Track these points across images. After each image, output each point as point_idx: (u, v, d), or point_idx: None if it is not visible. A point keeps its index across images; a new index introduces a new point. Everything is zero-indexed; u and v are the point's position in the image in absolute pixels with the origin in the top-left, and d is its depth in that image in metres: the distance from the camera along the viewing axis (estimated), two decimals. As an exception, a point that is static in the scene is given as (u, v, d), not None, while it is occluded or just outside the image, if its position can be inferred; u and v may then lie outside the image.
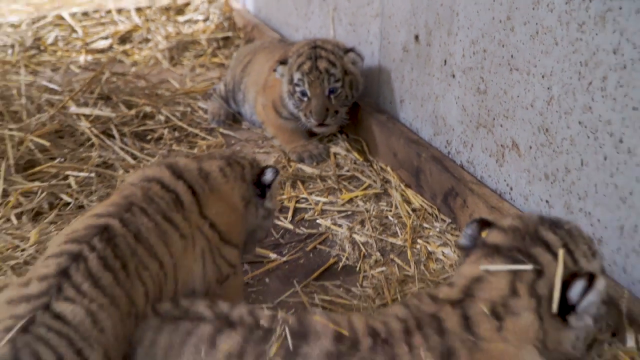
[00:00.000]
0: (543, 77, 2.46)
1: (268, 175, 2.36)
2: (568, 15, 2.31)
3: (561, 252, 1.74)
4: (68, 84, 4.24)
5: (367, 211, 3.16)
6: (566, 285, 1.71)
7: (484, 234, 1.88)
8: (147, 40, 5.59)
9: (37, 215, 2.97)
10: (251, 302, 2.51)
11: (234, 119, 4.21)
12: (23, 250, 2.61)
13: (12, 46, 4.91)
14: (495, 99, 2.76)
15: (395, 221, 3.09)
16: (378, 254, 2.85)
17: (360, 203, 3.25)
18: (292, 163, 3.62)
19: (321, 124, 3.61)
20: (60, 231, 2.44)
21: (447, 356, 1.67)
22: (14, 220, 2.87)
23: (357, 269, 2.76)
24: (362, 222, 3.09)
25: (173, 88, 4.61)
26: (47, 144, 3.19)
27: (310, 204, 3.25)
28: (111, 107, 3.95)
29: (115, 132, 3.68)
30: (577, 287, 1.69)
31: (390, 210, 3.17)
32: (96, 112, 3.76)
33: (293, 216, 3.16)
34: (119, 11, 5.94)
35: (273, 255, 2.84)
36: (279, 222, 3.07)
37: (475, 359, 1.66)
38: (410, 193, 3.27)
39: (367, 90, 3.81)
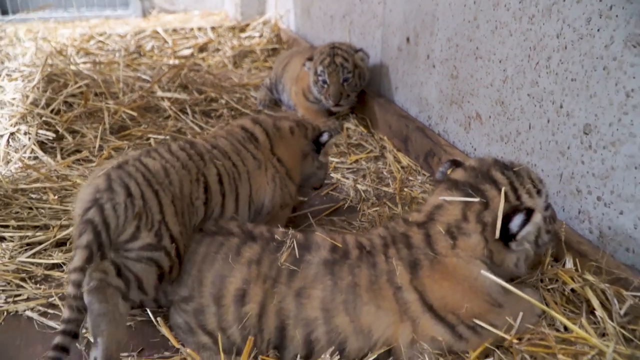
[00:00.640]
0: (500, 62, 2.25)
1: (324, 137, 2.30)
2: (521, 11, 2.09)
3: (503, 189, 1.57)
4: (157, 76, 4.15)
5: (368, 168, 3.00)
6: (509, 217, 1.55)
7: (449, 172, 1.72)
8: (218, 50, 5.45)
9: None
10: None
11: (275, 103, 4.08)
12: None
13: (119, 51, 4.83)
14: (464, 81, 2.55)
15: (389, 176, 2.92)
16: (374, 198, 2.69)
17: (364, 163, 3.09)
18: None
19: (337, 105, 3.46)
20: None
21: (414, 265, 1.53)
22: (106, 169, 2.79)
23: (358, 208, 2.61)
24: (363, 176, 2.92)
25: (233, 82, 4.48)
26: (135, 114, 3.11)
27: (327, 163, 3.10)
28: (187, 93, 3.85)
29: (188, 110, 3.56)
30: (517, 219, 1.54)
31: (385, 168, 3.00)
32: (175, 95, 3.66)
33: (314, 171, 3.02)
34: (199, 29, 5.83)
35: (299, 198, 2.72)
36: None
37: (434, 269, 1.52)
38: (400, 155, 3.08)
39: (371, 81, 3.62)
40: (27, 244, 2.16)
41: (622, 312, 1.46)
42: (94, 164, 2.84)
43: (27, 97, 3.17)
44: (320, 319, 1.50)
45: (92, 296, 1.44)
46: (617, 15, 1.67)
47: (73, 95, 3.34)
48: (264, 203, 2.05)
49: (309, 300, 1.52)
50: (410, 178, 2.87)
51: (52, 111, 3.17)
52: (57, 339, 1.42)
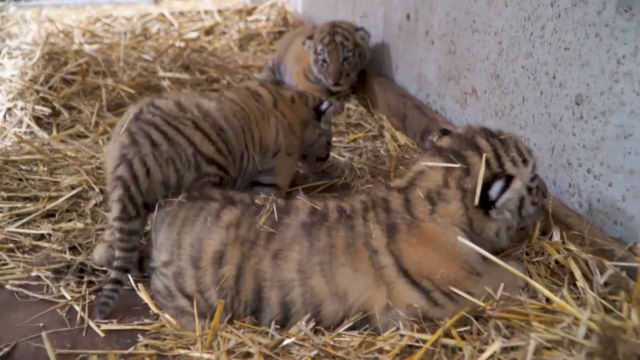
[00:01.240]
0: (496, 34, 2.22)
1: (324, 105, 2.49)
2: (517, -20, 2.06)
3: (484, 156, 1.55)
4: (159, 56, 4.18)
5: (365, 147, 2.99)
6: (490, 185, 1.54)
7: (435, 139, 1.71)
8: (224, 33, 5.46)
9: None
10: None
11: (278, 84, 4.09)
12: (98, 159, 2.57)
13: (125, 33, 4.87)
14: (461, 56, 2.52)
15: (385, 154, 2.91)
16: (369, 176, 2.68)
17: (361, 142, 3.08)
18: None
19: (337, 84, 3.46)
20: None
21: (391, 229, 1.53)
22: (101, 143, 2.83)
23: (352, 185, 2.61)
24: (360, 154, 2.92)
25: (237, 64, 4.49)
26: (133, 92, 3.14)
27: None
28: (189, 74, 3.87)
29: (188, 90, 3.59)
30: (496, 186, 1.52)
31: (382, 147, 2.99)
32: (177, 75, 3.68)
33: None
34: (206, 12, 5.84)
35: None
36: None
37: (412, 234, 1.52)
38: (398, 134, 3.07)
39: (373, 60, 3.60)
40: (17, 215, 2.21)
41: (602, 281, 1.44)
42: (88, 139, 2.89)
43: (26, 74, 3.23)
44: (296, 280, 1.51)
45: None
46: (610, -20, 1.63)
47: (73, 73, 3.38)
48: (268, 148, 2.22)
49: (286, 261, 1.53)
50: (407, 156, 2.86)
51: (50, 88, 3.22)
52: (113, 274, 1.69)
